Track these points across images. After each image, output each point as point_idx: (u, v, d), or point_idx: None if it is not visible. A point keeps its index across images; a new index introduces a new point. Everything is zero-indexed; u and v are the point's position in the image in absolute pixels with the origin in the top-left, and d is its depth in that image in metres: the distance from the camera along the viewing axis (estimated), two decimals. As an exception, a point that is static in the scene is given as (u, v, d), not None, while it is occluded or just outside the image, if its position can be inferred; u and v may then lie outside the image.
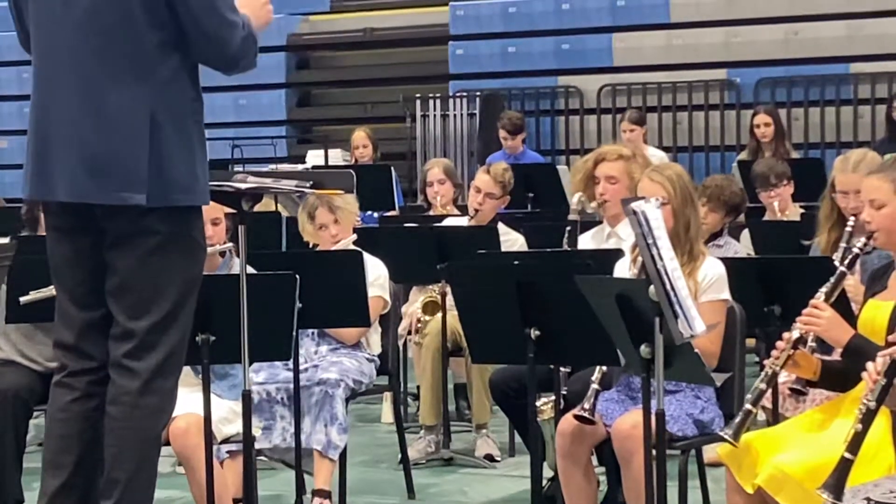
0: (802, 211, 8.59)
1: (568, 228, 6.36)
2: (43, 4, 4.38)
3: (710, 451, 5.68)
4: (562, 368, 5.72)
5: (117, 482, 4.33)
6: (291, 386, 5.89)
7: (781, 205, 8.55)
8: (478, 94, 14.95)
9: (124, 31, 4.27)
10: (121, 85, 4.26)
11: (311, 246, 6.73)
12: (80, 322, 4.45)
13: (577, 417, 5.19)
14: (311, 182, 4.87)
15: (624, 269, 5.48)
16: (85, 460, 4.43)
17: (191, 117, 4.37)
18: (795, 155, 11.23)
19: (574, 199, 6.42)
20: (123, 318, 4.36)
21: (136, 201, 4.24)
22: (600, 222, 6.65)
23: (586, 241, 6.48)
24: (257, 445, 5.61)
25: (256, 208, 4.95)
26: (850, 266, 4.69)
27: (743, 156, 11.32)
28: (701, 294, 5.21)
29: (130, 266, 4.33)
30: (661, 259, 4.20)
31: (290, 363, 5.85)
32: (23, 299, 5.62)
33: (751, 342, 7.59)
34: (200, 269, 4.50)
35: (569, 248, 6.32)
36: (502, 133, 11.98)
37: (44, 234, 4.63)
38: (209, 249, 5.58)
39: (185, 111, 4.35)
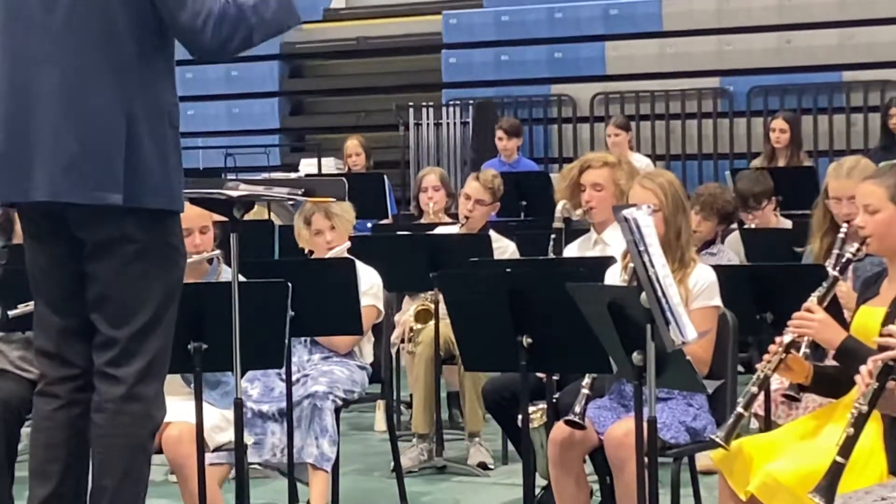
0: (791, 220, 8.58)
1: (553, 236, 6.36)
2: (17, 8, 4.32)
3: (703, 459, 5.68)
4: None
5: (105, 489, 4.31)
6: (283, 402, 5.87)
7: (761, 225, 8.51)
8: (471, 102, 14.95)
9: (106, 37, 4.24)
10: (100, 87, 4.23)
11: (305, 252, 6.72)
12: (60, 329, 4.42)
13: (567, 422, 5.19)
14: (303, 190, 4.86)
15: (615, 276, 5.48)
16: (72, 469, 4.40)
17: (167, 122, 4.33)
18: (808, 163, 11.18)
19: (559, 207, 6.42)
20: (105, 327, 4.33)
21: (113, 201, 4.20)
22: (586, 230, 6.65)
23: (572, 251, 6.48)
24: (247, 459, 5.59)
25: (248, 216, 4.94)
26: (843, 271, 4.70)
27: (757, 161, 11.23)
28: (692, 301, 5.21)
29: (110, 275, 4.29)
30: (652, 266, 4.20)
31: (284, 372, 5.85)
32: (11, 313, 5.60)
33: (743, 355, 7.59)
34: (181, 276, 4.46)
35: (554, 256, 6.32)
36: (499, 133, 11.92)
37: (20, 242, 4.59)
38: (196, 257, 5.60)
39: (161, 115, 4.32)
